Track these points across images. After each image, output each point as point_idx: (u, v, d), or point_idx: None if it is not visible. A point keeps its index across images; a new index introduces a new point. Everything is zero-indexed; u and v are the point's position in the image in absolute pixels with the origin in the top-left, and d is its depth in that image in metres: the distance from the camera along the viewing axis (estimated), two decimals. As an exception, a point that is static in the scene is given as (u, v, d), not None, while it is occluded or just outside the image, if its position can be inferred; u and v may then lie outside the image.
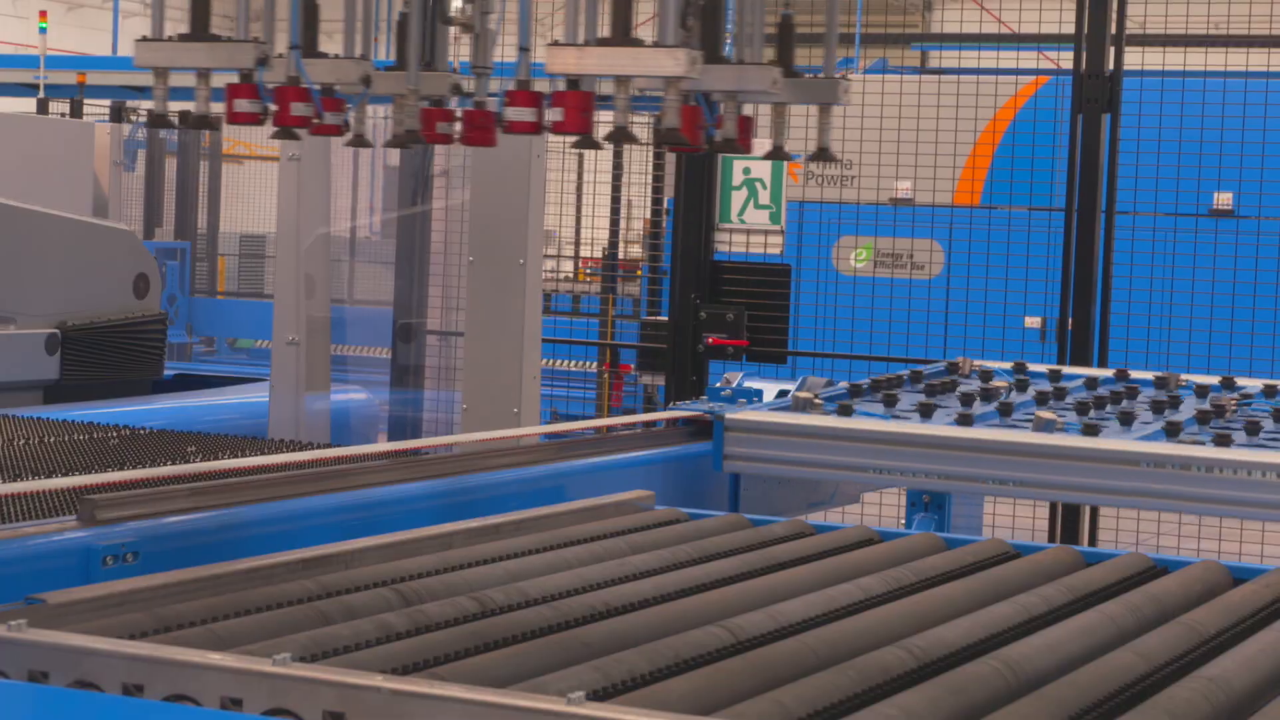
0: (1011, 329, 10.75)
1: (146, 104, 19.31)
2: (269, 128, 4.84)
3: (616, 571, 4.15)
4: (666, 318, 10.32)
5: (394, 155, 10.27)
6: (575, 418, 11.75)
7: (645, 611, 3.77)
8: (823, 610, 3.86)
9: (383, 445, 6.82)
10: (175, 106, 5.00)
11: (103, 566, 4.09)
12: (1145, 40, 11.01)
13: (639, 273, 15.18)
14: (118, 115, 18.23)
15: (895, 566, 4.37)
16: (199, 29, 4.72)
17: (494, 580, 3.97)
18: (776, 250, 11.52)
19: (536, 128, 4.45)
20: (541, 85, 4.53)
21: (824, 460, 5.93)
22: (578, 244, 17.73)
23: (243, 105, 4.60)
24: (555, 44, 4.28)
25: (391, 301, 9.39)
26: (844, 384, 7.03)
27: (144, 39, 4.74)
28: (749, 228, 11.71)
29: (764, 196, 12.07)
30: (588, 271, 17.73)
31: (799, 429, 5.99)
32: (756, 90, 4.44)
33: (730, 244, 10.98)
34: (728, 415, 6.08)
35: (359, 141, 4.98)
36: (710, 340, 9.86)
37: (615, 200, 15.19)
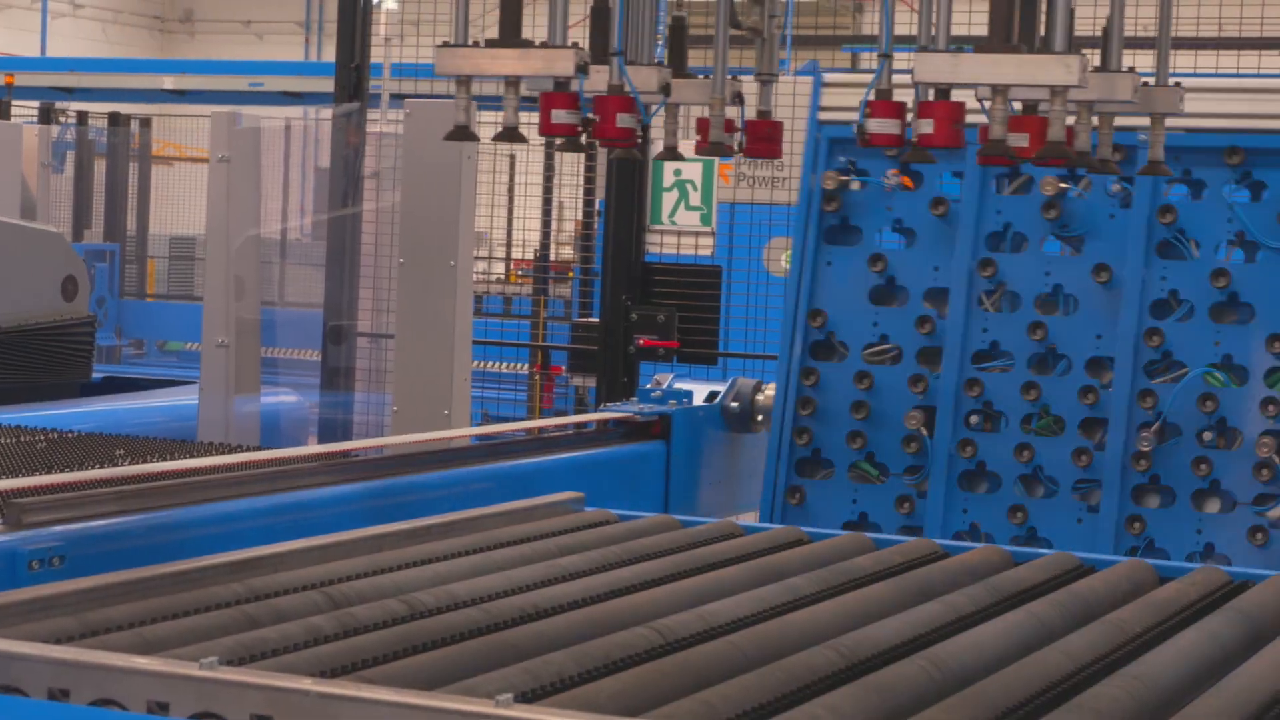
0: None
1: (76, 105, 19.23)
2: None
3: (546, 573, 4.15)
4: (598, 319, 10.33)
5: (325, 156, 10.24)
6: (507, 419, 11.73)
7: (574, 613, 3.77)
8: (752, 611, 3.88)
9: (313, 448, 6.80)
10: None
11: (29, 570, 4.07)
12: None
13: (570, 274, 15.17)
14: (46, 117, 18.12)
15: (824, 567, 4.39)
16: (508, 33, 4.45)
17: (423, 583, 3.96)
18: (707, 252, 11.52)
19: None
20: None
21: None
22: (509, 246, 17.71)
23: (560, 117, 4.36)
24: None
25: (322, 304, 9.35)
26: None
27: (445, 44, 4.51)
28: (680, 229, 11.71)
29: (695, 198, 12.09)
30: (519, 273, 17.71)
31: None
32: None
33: (661, 245, 10.99)
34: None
35: (671, 155, 4.83)
36: (641, 342, 9.87)
37: (547, 202, 15.18)
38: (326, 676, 3.06)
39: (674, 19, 5.15)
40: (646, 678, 3.22)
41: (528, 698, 3.05)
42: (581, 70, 4.25)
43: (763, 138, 4.89)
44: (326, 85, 10.02)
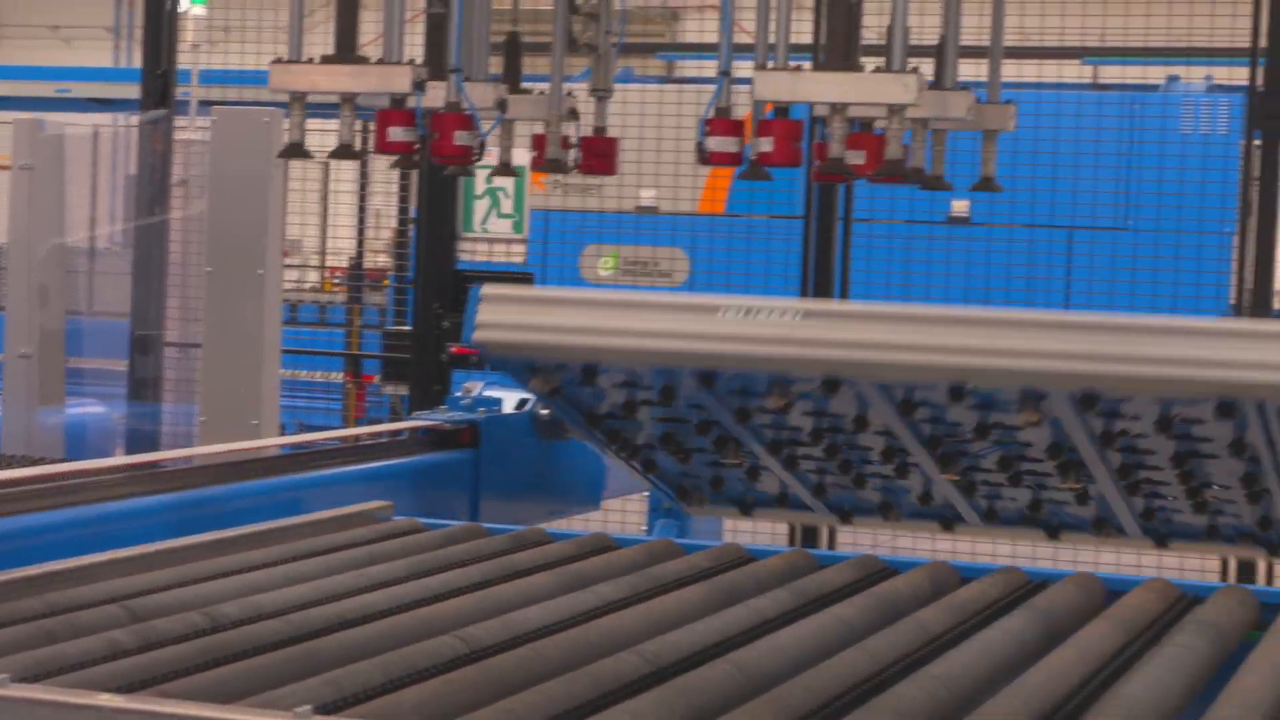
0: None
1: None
2: None
3: (352, 583, 4.13)
4: (410, 327, 10.29)
5: (132, 163, 10.10)
6: (320, 429, 11.64)
7: (380, 623, 3.75)
8: (558, 618, 3.88)
9: (118, 459, 6.71)
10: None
11: None
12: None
13: (385, 283, 15.09)
14: None
15: (632, 573, 4.40)
16: (344, 49, 4.34)
17: (228, 595, 3.92)
18: (519, 259, 11.52)
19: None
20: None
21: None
22: (324, 254, 17.58)
23: (397, 134, 4.26)
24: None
25: (129, 313, 9.23)
26: None
27: (279, 61, 4.42)
28: (491, 237, 11.70)
29: (506, 206, 12.08)
30: (334, 281, 17.59)
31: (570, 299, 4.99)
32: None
33: (474, 253, 10.98)
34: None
35: (505, 171, 4.77)
36: (454, 349, 9.85)
37: (361, 210, 15.10)
38: (125, 691, 3.02)
39: (509, 35, 5.16)
40: (451, 687, 3.21)
41: (330, 709, 3.03)
42: (418, 87, 4.23)
43: (599, 154, 4.92)
44: (134, 92, 9.90)
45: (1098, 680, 3.59)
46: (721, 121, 4.16)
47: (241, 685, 3.14)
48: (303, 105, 4.36)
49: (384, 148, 4.26)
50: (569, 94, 4.86)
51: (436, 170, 9.88)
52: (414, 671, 3.33)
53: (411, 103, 4.25)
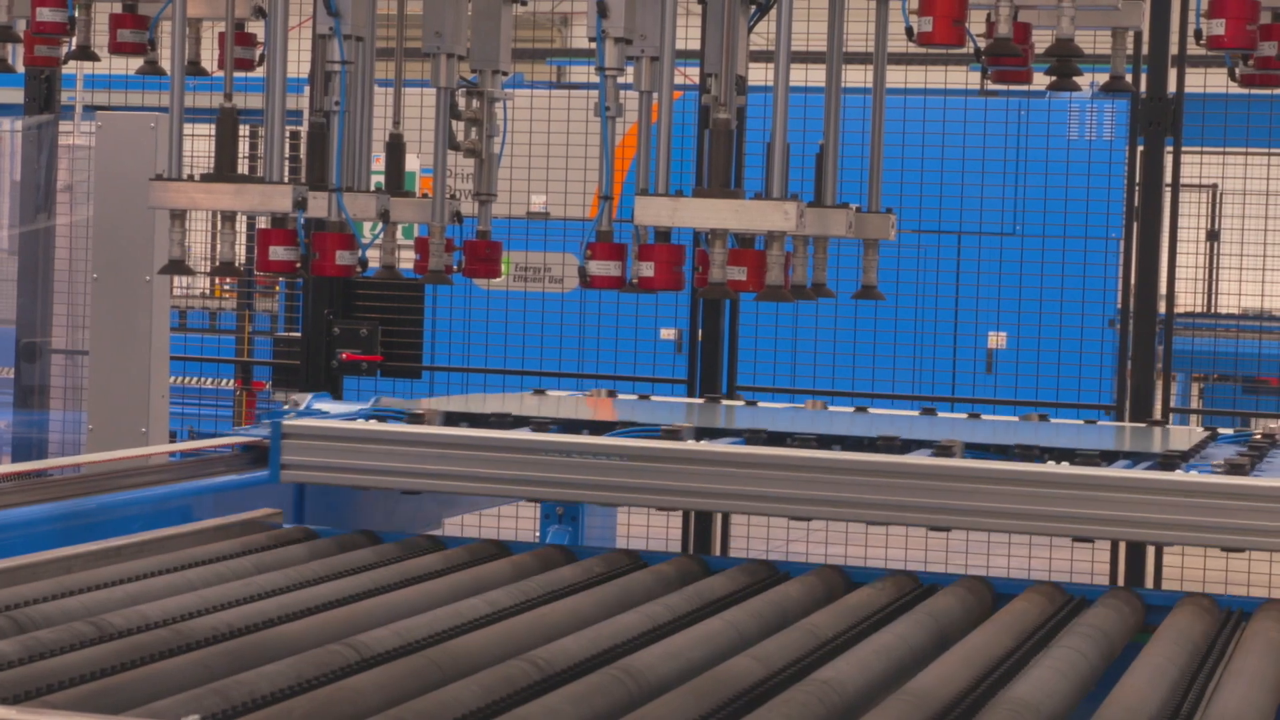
0: (645, 342, 10.88)
1: None
2: None
3: (241, 592, 4.10)
4: (301, 334, 10.22)
5: (17, 168, 9.99)
6: (210, 436, 11.55)
7: (269, 631, 3.73)
8: (449, 625, 3.87)
9: (2, 467, 6.63)
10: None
11: None
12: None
13: (276, 289, 14.99)
14: None
15: (524, 579, 4.40)
16: (224, 166, 4.29)
17: (114, 604, 3.89)
18: (409, 265, 11.50)
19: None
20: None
21: (397, 468, 5.24)
22: (212, 260, 17.44)
23: (279, 253, 4.25)
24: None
25: (14, 320, 9.13)
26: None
27: (159, 178, 4.37)
28: (379, 240, 11.66)
29: (398, 211, 12.01)
30: (224, 287, 17.45)
31: (370, 434, 5.32)
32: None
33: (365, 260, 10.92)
34: (286, 422, 5.48)
35: (390, 273, 4.78)
36: (344, 356, 9.80)
37: (251, 215, 14.98)
38: (9, 703, 2.98)
39: (392, 136, 5.17)
40: (340, 695, 3.19)
41: (216, 719, 3.01)
42: (300, 206, 4.22)
43: (482, 258, 4.96)
44: (17, 96, 9.78)
45: (987, 683, 3.62)
46: (603, 246, 4.17)
47: (127, 695, 3.12)
48: (182, 223, 4.34)
49: (266, 266, 4.26)
50: (452, 196, 4.88)
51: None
52: (303, 680, 3.31)
53: (293, 222, 4.24)
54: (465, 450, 5.20)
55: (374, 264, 4.97)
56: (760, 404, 7.57)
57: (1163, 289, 9.06)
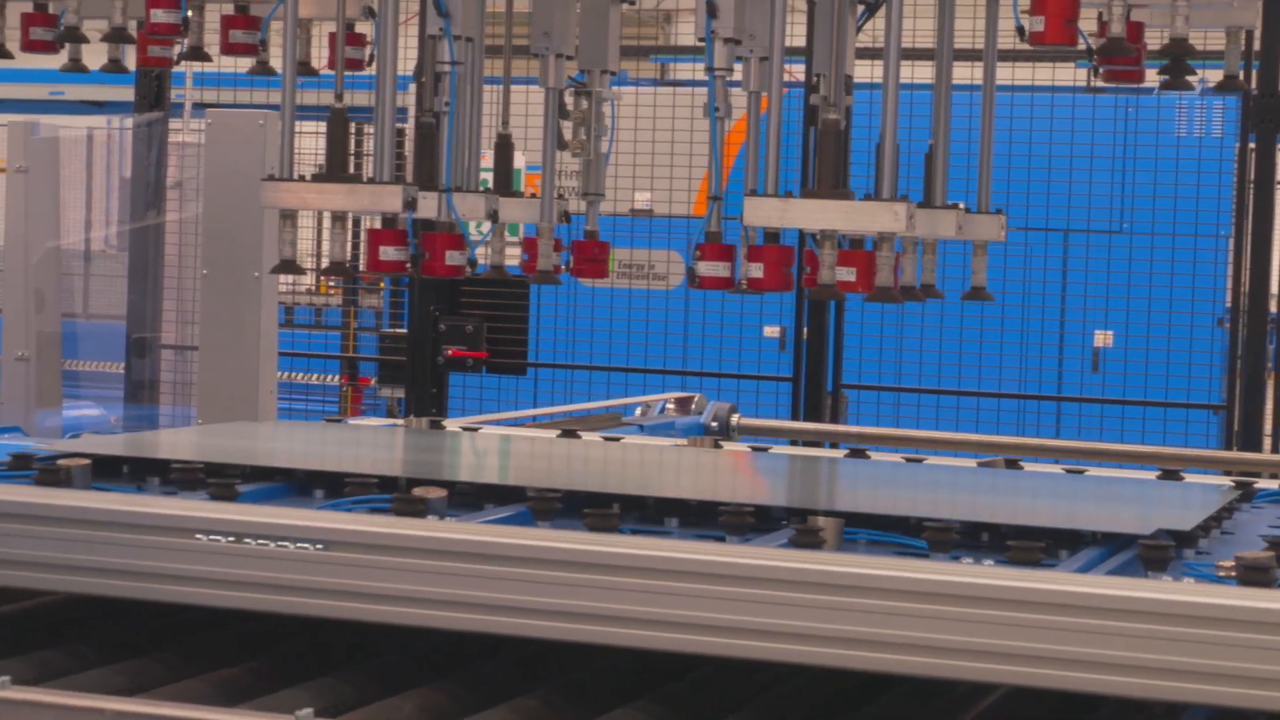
0: (749, 339, 10.87)
1: None
2: None
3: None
4: (406, 330, 10.28)
5: (127, 165, 10.10)
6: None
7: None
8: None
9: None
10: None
11: None
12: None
13: (381, 285, 15.08)
14: None
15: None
16: (335, 166, 4.30)
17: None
18: (515, 262, 11.56)
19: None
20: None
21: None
22: (319, 256, 17.56)
23: (389, 254, 4.26)
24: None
25: (125, 315, 9.22)
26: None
27: (271, 178, 4.39)
28: (488, 239, 11.72)
29: (503, 208, 12.06)
30: (330, 284, 17.57)
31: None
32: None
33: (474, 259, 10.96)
34: None
35: (499, 272, 4.78)
36: (450, 352, 9.84)
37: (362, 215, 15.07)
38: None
39: (500, 136, 5.19)
40: None
41: None
42: (410, 206, 4.22)
43: (590, 258, 4.96)
44: (128, 94, 9.89)
45: None
46: (712, 246, 4.14)
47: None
48: (293, 223, 4.34)
49: (375, 267, 4.25)
50: (561, 196, 4.88)
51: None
52: None
53: (403, 222, 4.24)
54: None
55: (482, 261, 4.98)
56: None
57: (1274, 287, 8.95)
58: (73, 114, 17.01)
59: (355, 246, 15.76)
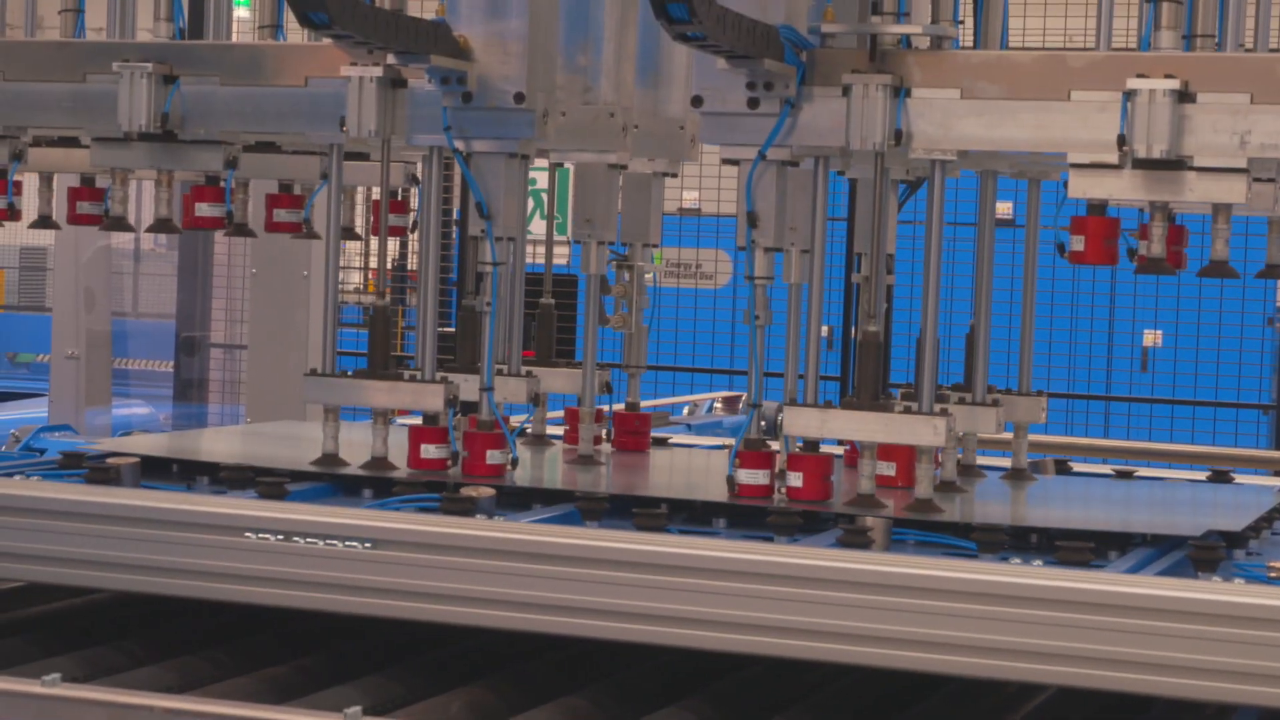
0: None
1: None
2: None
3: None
4: (455, 328, 10.29)
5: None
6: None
7: None
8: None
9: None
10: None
11: None
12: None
13: (428, 284, 15.08)
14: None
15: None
16: (378, 364, 4.32)
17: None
18: (563, 261, 11.54)
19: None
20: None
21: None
22: (366, 255, 17.59)
23: (430, 451, 4.26)
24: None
25: (174, 314, 9.27)
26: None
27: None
28: (535, 239, 11.74)
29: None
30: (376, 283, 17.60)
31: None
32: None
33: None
34: None
35: (540, 440, 4.82)
36: (498, 351, 9.84)
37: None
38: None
39: (542, 306, 5.19)
40: None
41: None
42: (451, 404, 4.22)
43: (630, 431, 4.95)
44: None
45: None
46: (751, 454, 4.09)
47: None
48: (336, 417, 4.34)
49: (417, 465, 4.24)
50: (601, 368, 4.89)
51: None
52: None
53: (444, 418, 4.24)
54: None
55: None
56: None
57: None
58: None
59: (404, 243, 15.74)
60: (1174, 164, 3.82)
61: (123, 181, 4.62)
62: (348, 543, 3.54)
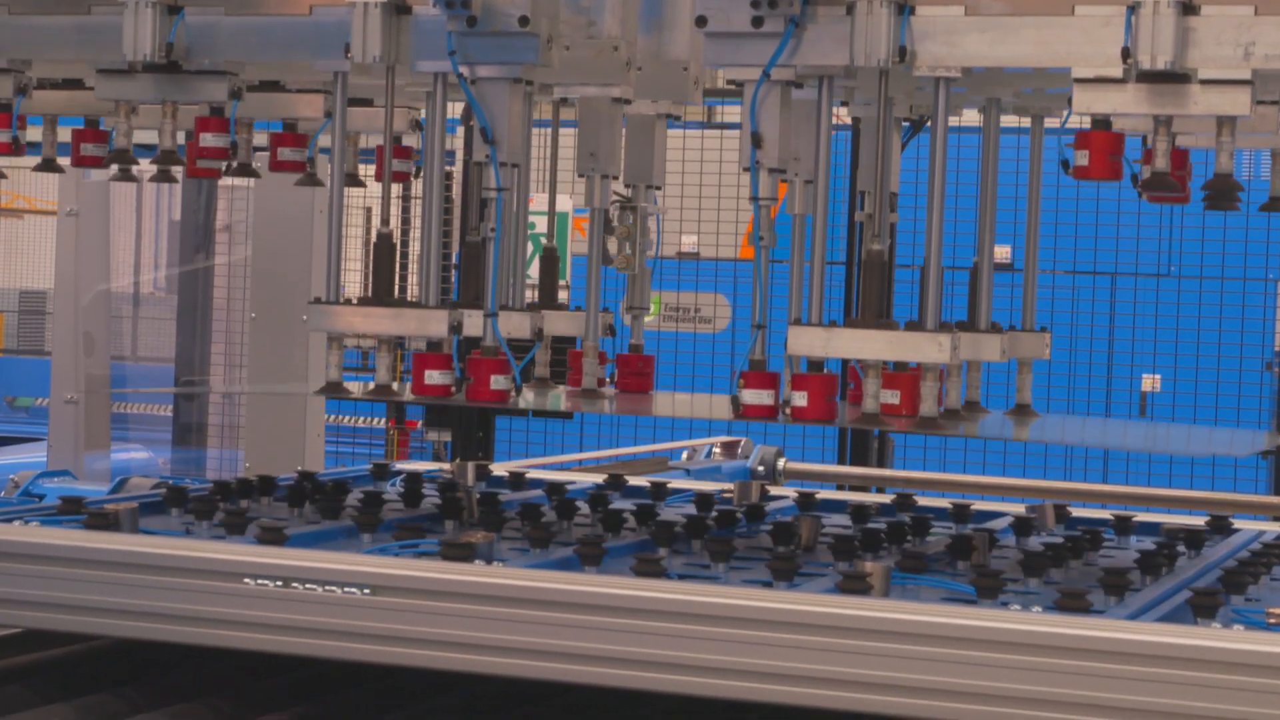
0: (796, 382, 10.85)
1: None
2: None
3: None
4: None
5: (177, 209, 10.16)
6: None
7: None
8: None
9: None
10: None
11: None
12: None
13: (427, 327, 15.11)
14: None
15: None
16: (381, 291, 4.36)
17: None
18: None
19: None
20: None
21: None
22: (365, 299, 17.60)
23: (434, 378, 4.27)
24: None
25: (174, 358, 9.27)
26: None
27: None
28: (533, 283, 11.73)
29: (550, 251, 12.09)
30: (376, 326, 17.62)
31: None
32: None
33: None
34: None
35: (544, 384, 4.83)
36: (497, 395, 9.85)
37: (404, 257, 15.12)
38: None
39: (546, 249, 5.21)
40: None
41: None
42: (455, 330, 4.24)
43: (635, 372, 4.96)
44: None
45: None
46: (756, 374, 4.10)
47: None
48: (340, 345, 4.36)
49: (422, 390, 4.24)
50: (605, 310, 4.90)
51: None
52: None
53: (449, 345, 4.24)
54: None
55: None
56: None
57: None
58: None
59: (404, 288, 15.76)
60: (1178, 77, 3.81)
61: (127, 115, 4.61)
62: (346, 588, 3.53)
